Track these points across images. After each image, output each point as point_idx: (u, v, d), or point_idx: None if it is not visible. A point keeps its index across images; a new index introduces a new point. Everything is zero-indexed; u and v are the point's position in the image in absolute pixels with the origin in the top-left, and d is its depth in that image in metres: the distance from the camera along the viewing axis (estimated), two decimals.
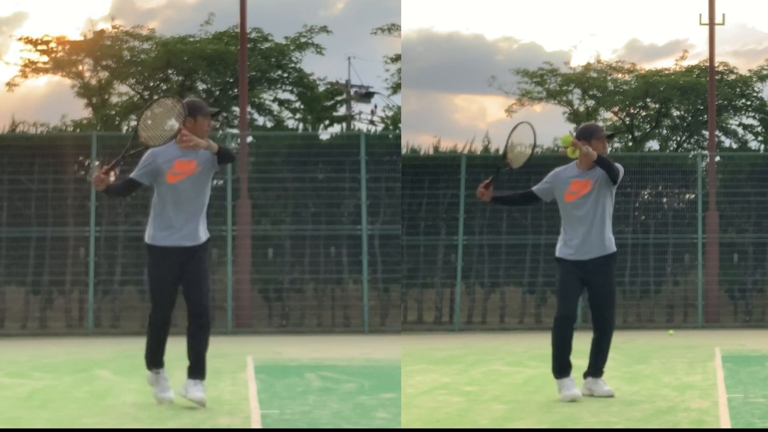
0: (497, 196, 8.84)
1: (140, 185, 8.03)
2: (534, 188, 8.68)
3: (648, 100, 22.55)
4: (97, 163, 16.36)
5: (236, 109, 20.78)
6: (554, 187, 8.55)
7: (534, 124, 8.34)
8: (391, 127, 23.10)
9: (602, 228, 8.43)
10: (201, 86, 22.07)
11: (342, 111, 26.21)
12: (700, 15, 19.03)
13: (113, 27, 21.64)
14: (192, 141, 7.61)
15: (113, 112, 21.87)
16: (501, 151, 18.12)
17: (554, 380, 8.41)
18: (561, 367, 8.33)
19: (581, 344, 8.69)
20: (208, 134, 7.86)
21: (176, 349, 8.33)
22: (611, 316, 8.51)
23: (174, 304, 8.03)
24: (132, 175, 7.94)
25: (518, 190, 9.18)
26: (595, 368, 8.56)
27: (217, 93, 21.75)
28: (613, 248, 8.50)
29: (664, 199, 18.22)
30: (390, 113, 24.68)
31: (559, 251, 8.53)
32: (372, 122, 28.93)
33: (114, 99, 22.19)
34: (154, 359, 8.07)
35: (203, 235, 7.94)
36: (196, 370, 7.90)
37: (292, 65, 21.85)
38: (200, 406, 7.78)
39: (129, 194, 7.93)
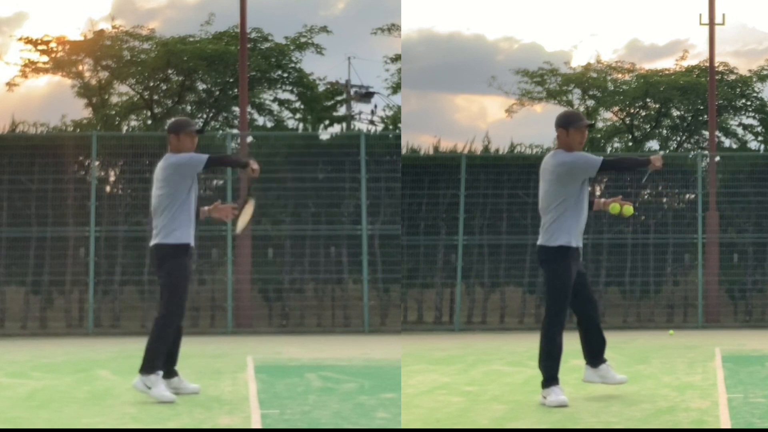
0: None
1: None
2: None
3: (648, 100, 22.55)
4: (97, 162, 16.38)
5: (236, 109, 20.79)
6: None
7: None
8: (391, 127, 23.10)
9: None
10: (201, 86, 22.07)
11: (342, 111, 26.23)
12: (700, 15, 19.05)
13: (113, 27, 21.67)
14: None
15: (113, 112, 21.88)
16: (501, 152, 18.32)
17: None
18: (555, 374, 7.99)
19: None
20: (193, 149, 8.50)
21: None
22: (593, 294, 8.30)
23: None
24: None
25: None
26: (601, 355, 8.33)
27: (217, 93, 21.74)
28: None
29: (664, 199, 18.21)
30: (390, 113, 24.70)
31: (565, 239, 7.91)
32: (372, 122, 28.98)
33: (114, 99, 22.22)
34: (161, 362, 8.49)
35: None
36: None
37: (292, 65, 21.86)
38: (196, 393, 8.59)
39: None
